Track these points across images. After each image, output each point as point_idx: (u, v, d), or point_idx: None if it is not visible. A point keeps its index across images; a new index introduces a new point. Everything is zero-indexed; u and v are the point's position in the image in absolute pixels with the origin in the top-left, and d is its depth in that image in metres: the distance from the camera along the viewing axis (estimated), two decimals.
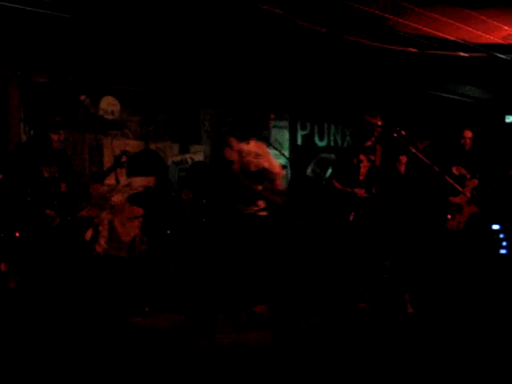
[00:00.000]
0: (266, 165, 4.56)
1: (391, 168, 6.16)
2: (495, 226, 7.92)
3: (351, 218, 5.84)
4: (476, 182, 6.36)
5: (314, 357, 4.42)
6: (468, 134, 6.38)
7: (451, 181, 5.49)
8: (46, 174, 5.28)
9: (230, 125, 8.15)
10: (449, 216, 6.18)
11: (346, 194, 5.88)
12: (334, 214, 6.58)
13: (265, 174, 4.52)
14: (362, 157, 5.91)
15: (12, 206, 5.15)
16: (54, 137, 5.34)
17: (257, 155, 4.58)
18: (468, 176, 6.37)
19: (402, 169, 6.27)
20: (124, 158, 5.76)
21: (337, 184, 5.96)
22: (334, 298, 6.68)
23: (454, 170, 6.32)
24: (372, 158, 5.93)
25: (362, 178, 5.90)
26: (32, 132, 5.28)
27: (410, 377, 3.92)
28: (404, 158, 6.19)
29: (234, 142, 4.50)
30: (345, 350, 4.62)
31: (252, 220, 4.46)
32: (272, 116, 4.75)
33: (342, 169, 6.05)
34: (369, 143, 5.90)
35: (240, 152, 4.47)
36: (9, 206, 5.19)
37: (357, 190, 5.83)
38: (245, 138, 4.60)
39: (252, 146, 4.61)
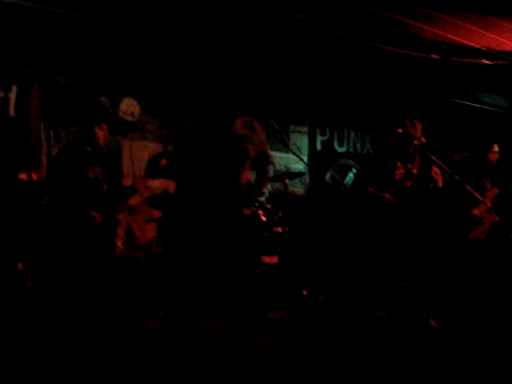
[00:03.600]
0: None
1: (428, 178, 5.94)
2: None
3: (377, 221, 5.78)
4: (496, 191, 6.29)
5: (324, 363, 4.39)
6: (495, 148, 6.34)
7: (472, 190, 5.44)
8: (90, 175, 5.28)
9: None
10: (471, 227, 6.11)
11: (374, 197, 5.82)
12: (357, 217, 6.54)
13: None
14: (398, 164, 5.83)
15: (40, 206, 5.14)
16: (101, 134, 5.33)
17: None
18: (488, 186, 6.29)
19: (439, 180, 6.05)
20: (164, 161, 5.73)
21: (370, 188, 5.89)
22: (349, 304, 6.66)
23: (484, 181, 6.25)
24: (409, 166, 5.82)
25: (395, 184, 5.82)
26: (51, 132, 5.23)
27: None
28: (437, 169, 5.95)
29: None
30: (356, 358, 4.57)
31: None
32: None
33: (377, 173, 6.00)
34: (410, 150, 5.78)
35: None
36: (35, 206, 5.20)
37: (387, 195, 5.78)
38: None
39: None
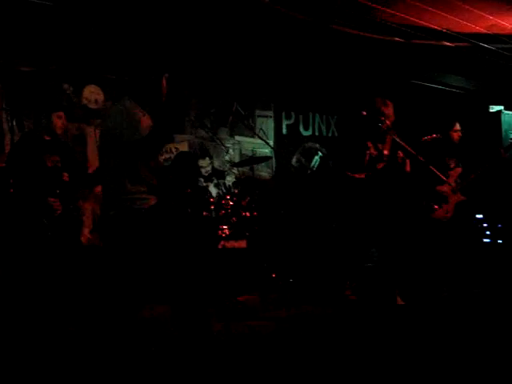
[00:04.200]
0: None
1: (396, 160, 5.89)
2: (479, 215, 7.97)
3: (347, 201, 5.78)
4: (459, 170, 6.38)
5: (293, 346, 4.43)
6: (457, 126, 6.40)
7: (435, 170, 5.50)
8: (48, 163, 5.21)
9: (214, 115, 8.13)
10: (435, 206, 6.19)
11: (344, 177, 5.82)
12: (324, 199, 6.53)
13: None
14: (369, 144, 5.83)
15: (9, 196, 5.07)
16: (58, 121, 5.24)
17: None
18: (452, 165, 6.38)
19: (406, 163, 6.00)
20: None
21: (348, 172, 5.85)
22: (317, 286, 6.71)
23: (447, 161, 6.32)
24: (379, 146, 5.81)
25: (365, 164, 5.78)
26: (14, 121, 5.15)
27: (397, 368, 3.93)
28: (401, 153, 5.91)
29: None
30: (326, 339, 4.62)
31: None
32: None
33: (347, 154, 5.97)
34: (380, 131, 5.75)
35: None
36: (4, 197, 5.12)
37: (356, 175, 5.75)
38: None
39: None
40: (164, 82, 3.85)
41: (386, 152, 5.77)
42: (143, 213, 3.64)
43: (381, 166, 5.76)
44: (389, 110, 5.66)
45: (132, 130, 3.57)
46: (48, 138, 5.27)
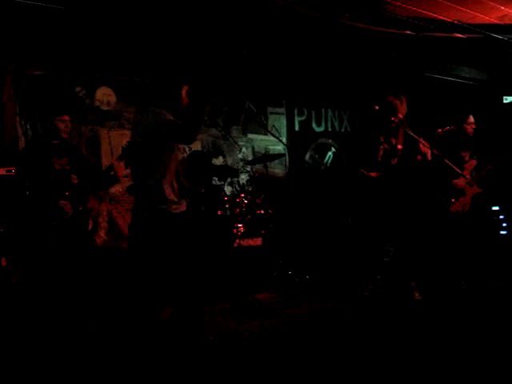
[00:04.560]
0: None
1: (415, 151, 5.84)
2: (495, 207, 7.92)
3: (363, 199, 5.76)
4: (474, 162, 6.34)
5: (319, 343, 4.41)
6: (471, 119, 6.35)
7: (450, 164, 5.47)
8: (57, 167, 5.23)
9: (226, 113, 8.13)
10: (452, 199, 6.15)
11: (358, 174, 5.81)
12: (338, 195, 6.50)
13: None
14: (381, 139, 5.81)
15: (20, 200, 5.09)
16: (61, 125, 5.24)
17: None
18: (466, 158, 6.34)
19: (428, 152, 5.91)
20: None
21: (361, 169, 5.83)
22: (336, 281, 6.70)
23: (462, 154, 6.28)
24: (393, 141, 5.79)
25: (379, 159, 5.79)
26: (28, 125, 5.17)
27: (413, 366, 3.91)
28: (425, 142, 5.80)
29: None
30: (347, 338, 4.61)
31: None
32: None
33: (360, 150, 5.95)
34: (392, 125, 5.75)
35: None
36: (15, 200, 5.15)
37: (373, 174, 5.75)
38: None
39: None
40: (183, 93, 3.92)
41: (399, 147, 5.75)
42: (176, 216, 3.67)
43: (395, 161, 5.74)
44: (402, 104, 5.64)
45: (163, 134, 3.59)
46: (56, 142, 5.26)
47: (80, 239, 5.33)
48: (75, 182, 5.28)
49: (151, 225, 3.64)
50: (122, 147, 5.08)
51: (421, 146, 5.62)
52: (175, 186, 3.76)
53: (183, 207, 3.78)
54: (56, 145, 5.25)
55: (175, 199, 3.70)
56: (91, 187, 5.66)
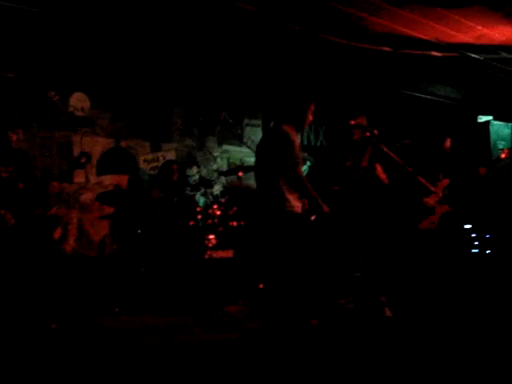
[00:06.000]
0: None
1: (373, 170, 5.89)
2: (467, 226, 7.95)
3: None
4: (447, 181, 6.37)
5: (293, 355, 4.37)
6: (448, 143, 6.42)
7: (423, 181, 5.47)
8: (3, 174, 5.13)
9: (202, 123, 8.09)
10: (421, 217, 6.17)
11: (327, 188, 5.81)
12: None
13: None
14: (349, 155, 5.82)
15: None
16: (13, 136, 5.17)
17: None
18: (440, 176, 6.37)
19: (382, 176, 5.99)
20: (83, 159, 5.58)
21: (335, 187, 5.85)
22: (312, 294, 6.66)
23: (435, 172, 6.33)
24: (358, 157, 5.78)
25: (344, 176, 5.79)
26: None
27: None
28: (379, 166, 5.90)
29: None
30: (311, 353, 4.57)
31: None
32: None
33: (326, 165, 5.97)
34: (356, 142, 5.78)
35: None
36: None
37: (335, 188, 5.76)
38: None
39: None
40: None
41: (364, 163, 5.75)
42: None
43: (355, 176, 5.75)
44: (361, 122, 5.67)
45: None
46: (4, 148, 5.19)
47: (34, 247, 5.23)
48: (21, 189, 5.18)
49: None
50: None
51: (377, 172, 5.66)
52: None
53: None
54: (5, 151, 5.17)
55: None
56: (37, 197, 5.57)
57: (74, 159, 5.41)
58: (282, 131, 4.47)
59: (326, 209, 4.58)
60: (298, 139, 4.55)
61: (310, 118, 4.81)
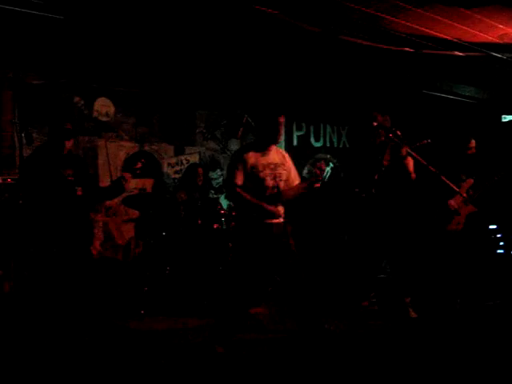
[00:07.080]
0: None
1: (399, 169, 5.87)
2: (492, 226, 7.90)
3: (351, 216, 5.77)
4: (471, 181, 6.34)
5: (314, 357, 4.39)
6: (473, 143, 6.39)
7: (447, 181, 5.45)
8: (63, 178, 5.14)
9: (224, 127, 8.13)
10: (447, 218, 6.14)
11: (348, 193, 5.81)
12: (336, 211, 6.46)
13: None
14: (373, 155, 5.80)
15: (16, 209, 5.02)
16: (68, 143, 5.14)
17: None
18: (463, 177, 6.34)
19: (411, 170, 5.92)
20: (139, 165, 5.52)
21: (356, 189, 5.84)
22: (333, 297, 6.65)
23: (459, 172, 6.29)
24: (380, 156, 5.76)
25: (366, 178, 5.77)
26: (23, 134, 5.08)
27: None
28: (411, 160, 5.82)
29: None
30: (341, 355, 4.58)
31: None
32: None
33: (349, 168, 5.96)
34: (377, 142, 5.79)
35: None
36: (12, 209, 5.09)
37: (356, 189, 5.75)
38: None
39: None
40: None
41: (384, 163, 5.73)
42: None
43: (376, 176, 5.71)
44: (385, 123, 5.66)
45: None
46: (62, 153, 5.17)
47: (79, 250, 5.26)
48: (80, 194, 5.18)
49: None
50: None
51: (406, 163, 5.62)
52: None
53: None
54: (63, 155, 5.14)
55: None
56: (95, 199, 5.61)
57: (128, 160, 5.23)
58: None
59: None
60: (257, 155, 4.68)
61: (281, 131, 4.87)
